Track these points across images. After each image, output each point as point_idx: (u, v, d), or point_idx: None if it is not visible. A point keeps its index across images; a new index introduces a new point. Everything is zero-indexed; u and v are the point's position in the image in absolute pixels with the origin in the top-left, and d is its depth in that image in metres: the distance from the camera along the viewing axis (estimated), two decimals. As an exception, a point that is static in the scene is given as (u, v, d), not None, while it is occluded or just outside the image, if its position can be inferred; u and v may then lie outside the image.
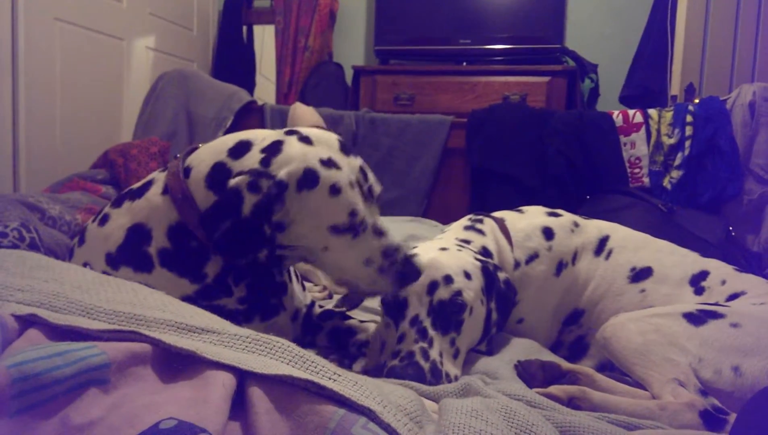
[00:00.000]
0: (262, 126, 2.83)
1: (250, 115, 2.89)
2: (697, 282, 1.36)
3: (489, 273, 1.27)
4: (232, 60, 3.90)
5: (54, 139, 2.61)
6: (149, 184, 1.13)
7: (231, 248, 0.98)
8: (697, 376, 1.07)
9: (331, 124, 2.79)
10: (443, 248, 1.30)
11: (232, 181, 0.98)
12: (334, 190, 1.02)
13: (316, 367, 0.74)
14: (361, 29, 4.12)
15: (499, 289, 1.27)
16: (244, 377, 0.71)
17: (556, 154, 2.45)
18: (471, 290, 1.21)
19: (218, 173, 1.03)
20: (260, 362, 0.73)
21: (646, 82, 3.13)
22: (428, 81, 3.40)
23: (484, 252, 1.38)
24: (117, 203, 1.14)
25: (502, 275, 1.30)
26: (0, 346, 0.67)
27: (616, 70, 3.48)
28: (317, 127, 2.67)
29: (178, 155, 1.13)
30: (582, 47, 3.56)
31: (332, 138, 1.08)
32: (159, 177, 1.13)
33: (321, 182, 1.01)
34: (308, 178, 1.00)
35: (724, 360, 1.07)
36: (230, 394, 0.68)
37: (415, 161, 2.74)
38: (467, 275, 1.22)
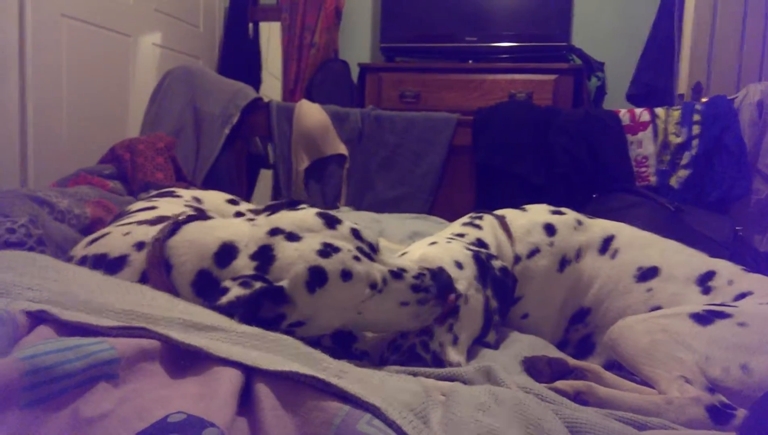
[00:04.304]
0: (268, 123, 2.84)
1: (256, 112, 2.89)
2: (704, 282, 1.35)
3: (481, 261, 1.27)
4: (238, 57, 3.90)
5: (61, 135, 2.62)
6: (122, 262, 1.06)
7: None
8: (705, 374, 1.06)
9: (337, 122, 2.79)
10: (433, 243, 1.31)
11: (228, 283, 0.95)
12: (346, 275, 0.98)
13: (321, 365, 0.74)
14: (367, 26, 4.11)
15: (495, 276, 1.27)
16: (250, 374, 0.71)
17: (562, 153, 2.44)
18: (464, 280, 1.21)
19: (206, 284, 0.99)
20: (267, 359, 0.73)
21: (653, 80, 3.12)
22: (434, 78, 3.40)
23: (479, 243, 1.38)
24: None
25: (497, 263, 1.30)
26: (11, 341, 0.68)
27: (623, 68, 3.46)
28: (320, 128, 2.69)
29: (158, 236, 1.04)
30: (589, 45, 3.55)
31: (313, 219, 1.03)
32: (135, 257, 1.05)
33: (330, 276, 0.97)
34: (316, 277, 0.96)
35: (732, 358, 1.07)
36: (237, 390, 0.68)
37: (420, 159, 2.73)
38: (458, 265, 1.23)
